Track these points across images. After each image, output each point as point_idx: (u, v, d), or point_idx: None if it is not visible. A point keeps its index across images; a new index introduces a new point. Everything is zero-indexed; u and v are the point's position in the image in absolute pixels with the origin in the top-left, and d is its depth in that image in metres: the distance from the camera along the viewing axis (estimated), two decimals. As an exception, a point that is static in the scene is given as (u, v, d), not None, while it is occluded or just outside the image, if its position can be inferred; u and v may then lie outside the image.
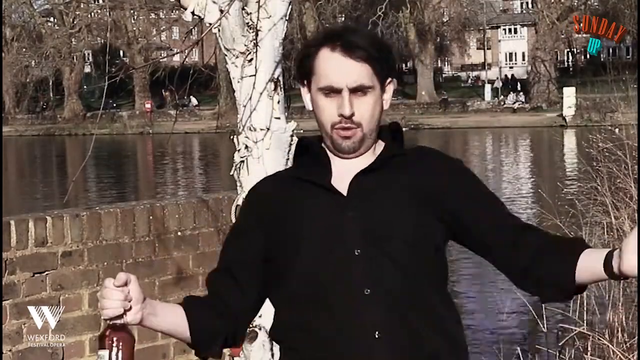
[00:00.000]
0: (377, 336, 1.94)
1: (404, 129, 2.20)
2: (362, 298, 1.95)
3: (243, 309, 2.10)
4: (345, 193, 2.02)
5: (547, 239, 2.02)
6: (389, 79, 2.08)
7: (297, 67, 2.10)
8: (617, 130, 6.41)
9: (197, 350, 2.08)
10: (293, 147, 2.89)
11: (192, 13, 2.96)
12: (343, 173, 2.05)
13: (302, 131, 2.94)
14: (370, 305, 1.95)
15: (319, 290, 1.98)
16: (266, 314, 2.88)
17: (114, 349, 1.89)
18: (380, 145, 2.10)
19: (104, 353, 1.87)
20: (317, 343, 1.98)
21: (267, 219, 2.06)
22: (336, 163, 2.07)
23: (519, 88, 52.33)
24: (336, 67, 2.01)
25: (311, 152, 2.10)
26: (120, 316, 1.90)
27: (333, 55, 2.01)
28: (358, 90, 2.01)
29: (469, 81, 57.55)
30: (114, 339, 1.89)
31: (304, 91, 2.10)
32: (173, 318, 2.05)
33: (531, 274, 1.98)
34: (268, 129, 2.90)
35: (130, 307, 1.93)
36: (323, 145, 2.09)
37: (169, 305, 2.12)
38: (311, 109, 2.09)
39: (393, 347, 1.94)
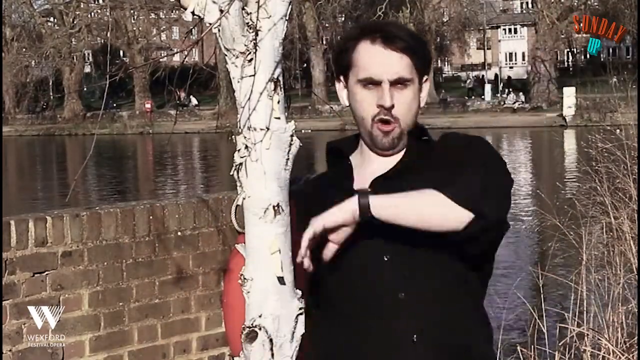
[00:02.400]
0: (414, 340, 1.94)
1: None
2: (396, 302, 1.95)
3: None
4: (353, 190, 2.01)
5: None
6: (426, 77, 2.08)
7: (334, 62, 2.11)
8: (618, 131, 6.41)
9: None
10: (293, 147, 2.89)
11: (192, 13, 2.95)
12: (377, 173, 2.04)
13: (302, 131, 2.95)
14: (405, 309, 1.94)
15: (349, 297, 1.99)
16: (266, 314, 2.88)
17: None
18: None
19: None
20: (350, 347, 1.98)
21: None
22: (372, 160, 2.06)
23: (504, 87, 52.51)
24: (377, 58, 2.01)
25: (338, 157, 2.10)
26: None
27: (373, 47, 2.01)
28: (398, 83, 2.01)
29: (468, 82, 57.50)
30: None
31: (339, 87, 2.09)
32: None
33: None
34: (268, 129, 2.90)
35: None
36: (361, 143, 2.07)
37: None
38: (347, 104, 2.08)
39: (431, 350, 1.94)
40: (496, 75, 57.41)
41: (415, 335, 1.93)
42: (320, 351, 2.01)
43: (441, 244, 1.93)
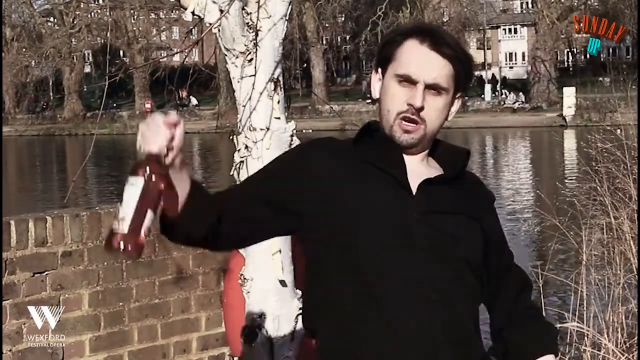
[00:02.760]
0: (439, 340, 1.94)
1: None
2: (422, 301, 1.94)
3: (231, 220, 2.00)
4: (413, 191, 2.01)
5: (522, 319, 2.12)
6: (460, 93, 2.07)
7: (378, 52, 2.10)
8: (619, 131, 6.41)
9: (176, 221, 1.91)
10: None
11: (192, 13, 2.96)
12: (409, 171, 2.04)
13: (302, 131, 2.95)
14: (430, 309, 1.94)
15: (375, 286, 1.94)
16: (266, 314, 2.88)
17: (150, 178, 1.73)
18: (432, 161, 2.11)
19: (137, 180, 1.73)
20: (359, 340, 1.94)
21: (316, 180, 2.00)
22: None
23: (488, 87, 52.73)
24: (420, 58, 2.00)
25: (379, 139, 2.05)
26: (159, 156, 1.78)
27: (420, 46, 2.01)
28: (433, 88, 2.00)
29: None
30: (151, 169, 1.74)
31: (375, 78, 2.08)
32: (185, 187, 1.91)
33: (500, 337, 2.12)
34: (268, 128, 2.90)
35: (171, 150, 1.82)
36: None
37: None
38: (377, 96, 2.07)
39: (453, 350, 1.95)
40: (493, 75, 57.47)
41: (438, 335, 1.94)
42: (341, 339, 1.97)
43: (471, 251, 2.03)
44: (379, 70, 2.06)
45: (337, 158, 2.04)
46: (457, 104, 2.08)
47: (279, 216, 2.01)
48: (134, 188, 1.71)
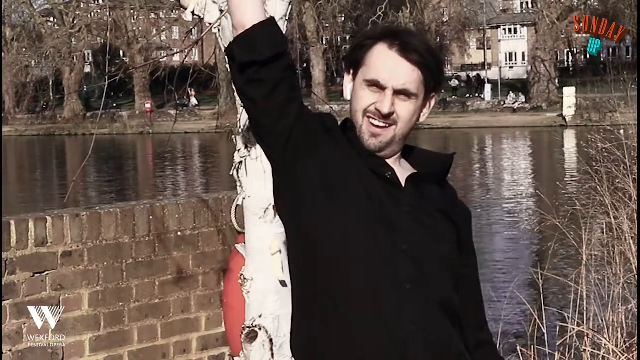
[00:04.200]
0: (413, 329, 1.95)
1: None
2: (402, 292, 1.96)
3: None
4: (397, 180, 2.03)
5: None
6: (433, 94, 2.07)
7: (348, 55, 2.10)
8: (622, 131, 6.41)
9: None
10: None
11: (192, 13, 2.96)
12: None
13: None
14: (410, 300, 1.95)
15: (359, 279, 1.95)
16: (266, 314, 2.88)
17: None
18: (405, 163, 2.10)
19: None
20: (345, 326, 1.96)
21: (328, 154, 2.01)
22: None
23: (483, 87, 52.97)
24: (388, 64, 2.00)
25: (354, 138, 2.05)
26: None
27: (389, 52, 2.00)
28: (402, 94, 2.00)
29: (452, 82, 57.49)
30: None
31: (347, 79, 2.08)
32: None
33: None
34: (268, 129, 2.90)
35: None
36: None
37: None
38: (349, 97, 2.08)
39: (427, 341, 1.96)
40: (478, 76, 57.67)
41: (413, 325, 1.95)
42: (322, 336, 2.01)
43: (452, 249, 2.04)
44: (351, 71, 2.06)
45: (342, 150, 2.04)
46: (429, 105, 2.08)
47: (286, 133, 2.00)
48: None
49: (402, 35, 2.02)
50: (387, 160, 2.05)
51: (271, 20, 2.02)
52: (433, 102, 2.09)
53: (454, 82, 55.18)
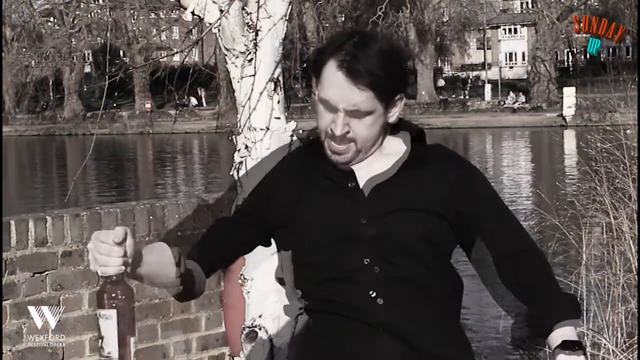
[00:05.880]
0: (381, 336, 1.96)
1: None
2: (368, 302, 1.96)
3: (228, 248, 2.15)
4: (358, 191, 2.00)
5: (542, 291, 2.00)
6: (398, 95, 2.00)
7: (310, 65, 2.06)
8: (627, 131, 6.40)
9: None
10: (293, 147, 2.89)
11: (192, 13, 2.96)
12: (357, 168, 2.03)
13: (301, 131, 2.94)
14: (376, 308, 1.96)
15: (327, 290, 2.00)
16: (266, 314, 2.88)
17: (120, 306, 1.78)
18: (391, 142, 2.06)
19: (111, 313, 1.76)
20: (329, 324, 2.01)
21: (286, 192, 2.07)
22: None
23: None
24: (337, 86, 1.94)
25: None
26: (118, 276, 1.81)
27: (337, 74, 1.94)
28: (354, 114, 1.96)
29: (440, 82, 57.60)
30: (117, 295, 1.79)
31: (314, 86, 2.06)
32: (156, 257, 2.02)
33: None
34: (268, 128, 2.90)
35: (127, 262, 1.84)
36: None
37: (148, 247, 2.05)
38: (315, 106, 2.08)
39: (395, 347, 1.95)
40: (468, 76, 57.92)
41: (380, 332, 1.96)
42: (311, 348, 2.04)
43: (423, 246, 1.99)
44: (314, 81, 2.03)
45: (297, 175, 2.08)
46: (398, 104, 2.01)
47: (257, 228, 2.11)
48: (109, 322, 1.75)
49: (350, 52, 1.94)
50: (358, 165, 2.02)
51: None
52: (401, 102, 2.02)
53: (441, 82, 55.39)
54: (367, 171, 2.02)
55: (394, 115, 2.02)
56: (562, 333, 1.89)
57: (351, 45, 1.95)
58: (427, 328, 1.98)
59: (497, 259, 2.03)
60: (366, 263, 1.96)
